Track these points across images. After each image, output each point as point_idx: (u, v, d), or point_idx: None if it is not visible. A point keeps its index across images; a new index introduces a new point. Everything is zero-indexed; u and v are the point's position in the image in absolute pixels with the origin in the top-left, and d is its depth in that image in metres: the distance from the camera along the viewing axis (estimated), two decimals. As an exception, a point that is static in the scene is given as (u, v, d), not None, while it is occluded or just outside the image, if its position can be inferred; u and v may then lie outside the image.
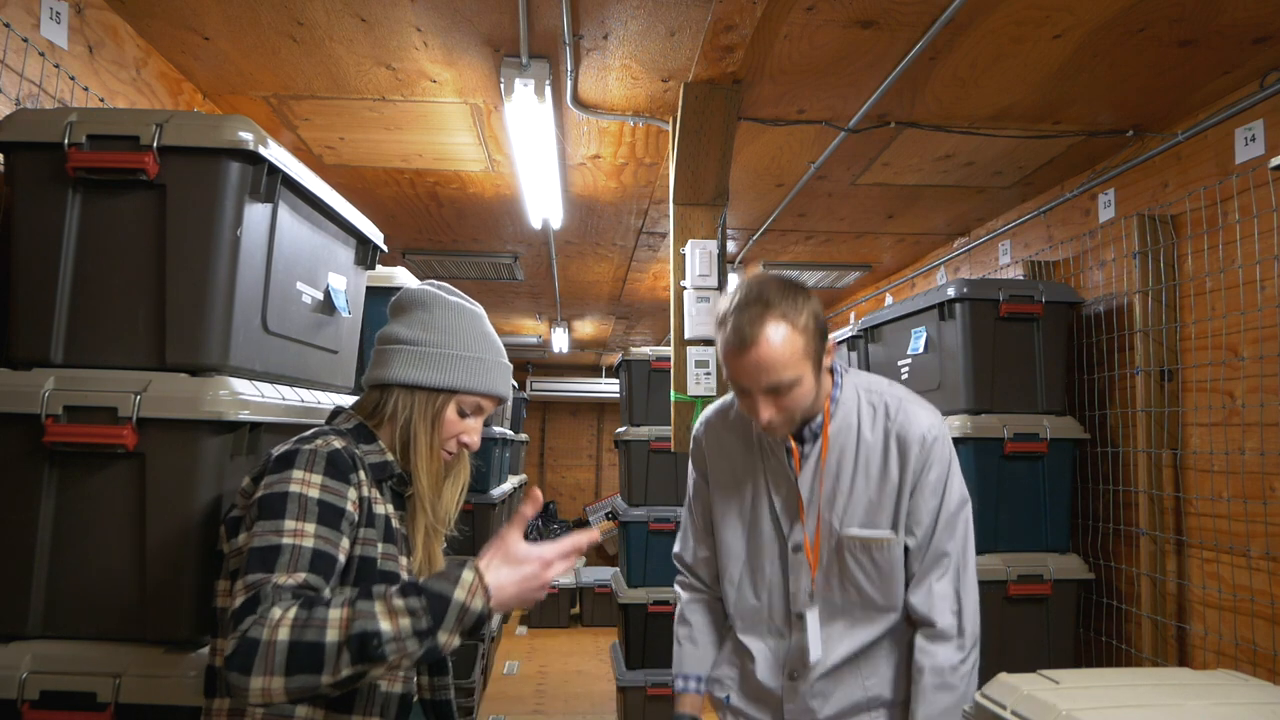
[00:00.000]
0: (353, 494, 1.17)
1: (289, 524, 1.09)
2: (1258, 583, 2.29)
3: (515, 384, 6.50)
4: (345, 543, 1.14)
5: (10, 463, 1.39)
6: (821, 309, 1.37)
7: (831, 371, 1.45)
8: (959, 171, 3.25)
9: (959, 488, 1.44)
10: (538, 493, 1.17)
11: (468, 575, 1.07)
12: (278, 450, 1.18)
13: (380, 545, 1.20)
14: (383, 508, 1.23)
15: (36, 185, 1.45)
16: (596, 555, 9.62)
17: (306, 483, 1.12)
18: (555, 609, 6.82)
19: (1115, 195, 2.97)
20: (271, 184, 1.53)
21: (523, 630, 6.72)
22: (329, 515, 1.12)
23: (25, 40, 1.79)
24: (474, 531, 5.09)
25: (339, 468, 1.16)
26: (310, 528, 1.10)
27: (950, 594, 1.40)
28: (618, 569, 4.81)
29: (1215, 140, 2.51)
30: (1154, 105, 2.60)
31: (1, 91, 1.72)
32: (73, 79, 1.96)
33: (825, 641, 1.44)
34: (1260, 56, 2.27)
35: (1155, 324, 2.65)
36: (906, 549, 1.43)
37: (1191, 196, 2.58)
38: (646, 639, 4.12)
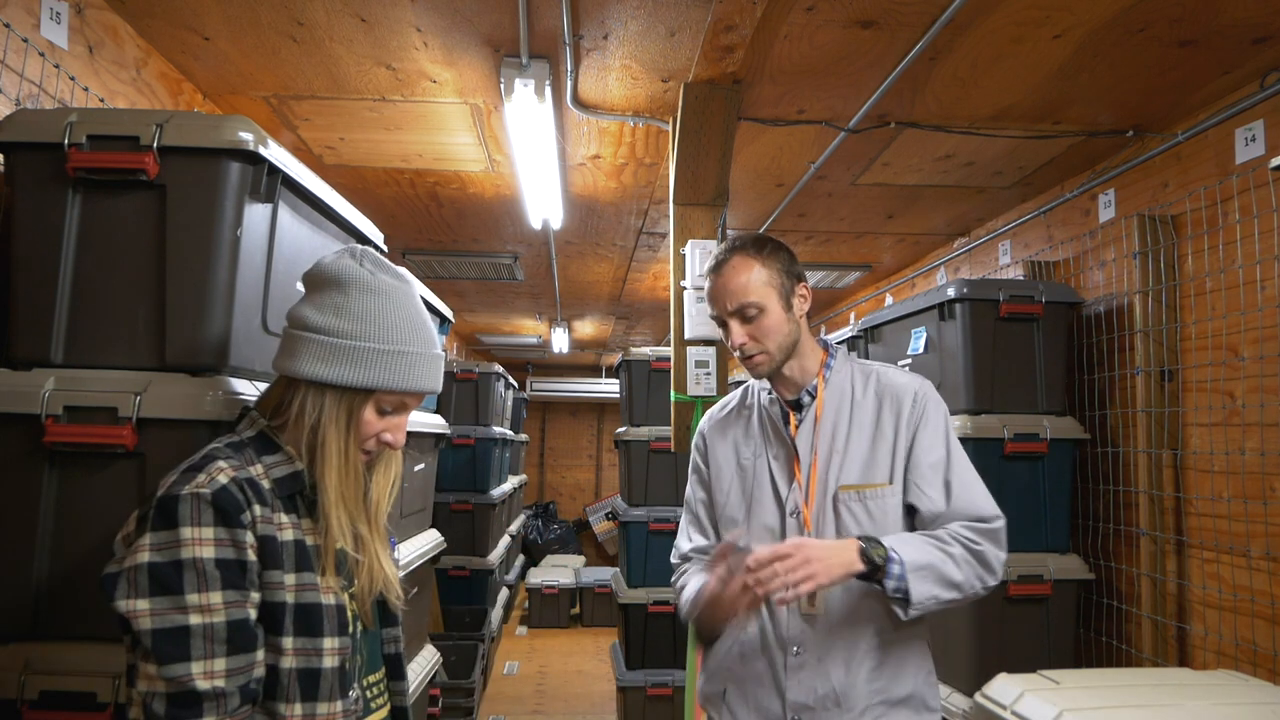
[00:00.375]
0: (249, 538, 1.04)
1: (191, 598, 0.98)
2: (1258, 583, 2.29)
3: (515, 384, 6.51)
4: (255, 595, 1.04)
5: (10, 463, 1.39)
6: (795, 262, 1.54)
7: (826, 349, 1.56)
8: (959, 171, 3.25)
9: (960, 447, 1.49)
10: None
11: None
12: (162, 488, 1.03)
13: (293, 578, 1.07)
14: (291, 533, 1.09)
15: (37, 185, 1.45)
16: (597, 555, 9.63)
17: (198, 541, 0.99)
18: (555, 609, 6.82)
19: (1115, 195, 2.97)
20: (271, 184, 1.53)
21: (523, 630, 6.72)
22: (231, 575, 1.01)
23: (25, 40, 1.79)
24: (474, 531, 5.09)
25: (228, 512, 1.02)
26: (216, 598, 0.99)
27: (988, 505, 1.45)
28: (618, 569, 4.81)
29: (1215, 140, 2.51)
30: (1154, 105, 2.60)
31: (1, 91, 1.72)
32: (73, 79, 1.96)
33: (823, 605, 1.43)
34: (1260, 56, 2.27)
35: (1155, 324, 2.65)
36: (911, 511, 1.45)
37: (1191, 197, 2.58)
38: (646, 639, 4.12)
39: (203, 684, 0.97)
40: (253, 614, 1.03)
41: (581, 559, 8.45)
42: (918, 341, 2.99)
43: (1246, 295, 2.35)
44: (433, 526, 3.08)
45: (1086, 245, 3.11)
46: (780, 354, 1.49)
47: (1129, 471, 2.73)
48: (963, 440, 2.61)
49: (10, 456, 1.39)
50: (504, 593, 5.97)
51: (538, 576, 7.01)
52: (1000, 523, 1.44)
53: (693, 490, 1.68)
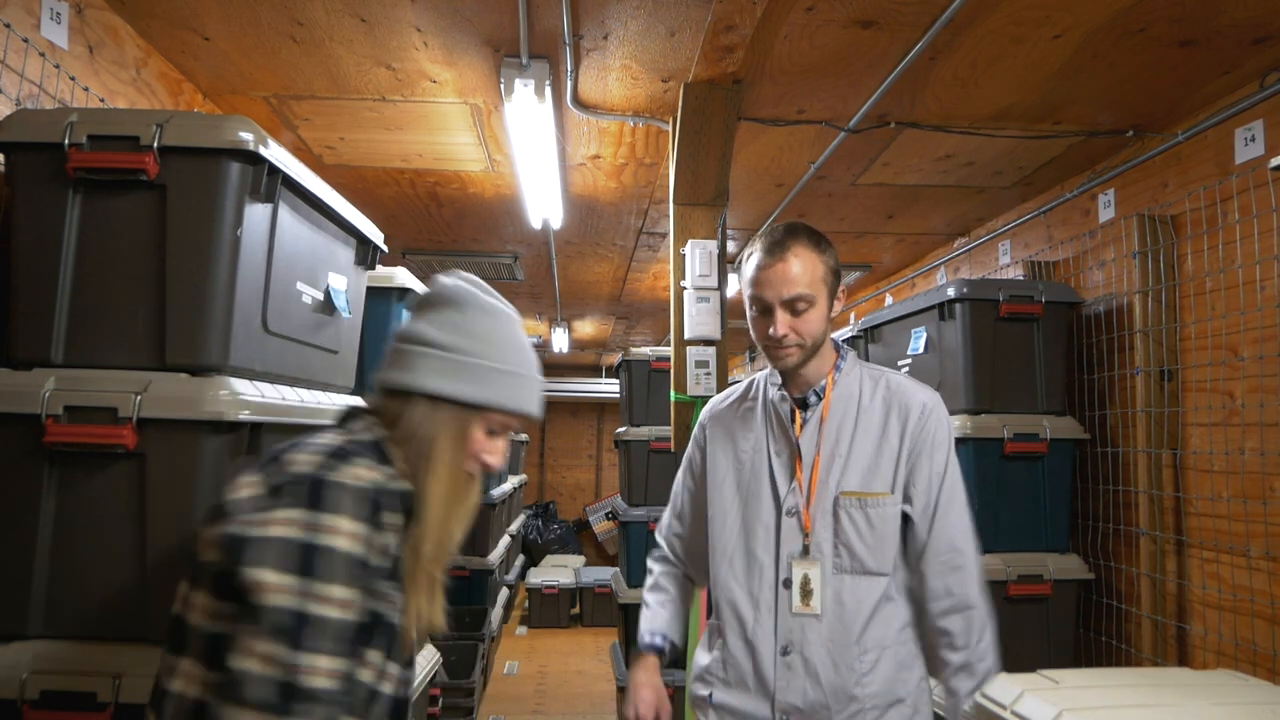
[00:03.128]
0: (390, 540, 1.02)
1: (335, 590, 0.94)
2: (1258, 583, 2.29)
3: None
4: (370, 602, 1.00)
5: (10, 463, 1.39)
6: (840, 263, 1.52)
7: (837, 349, 1.54)
8: (959, 171, 3.25)
9: (957, 468, 1.47)
10: None
11: None
12: (300, 466, 0.99)
13: (397, 594, 1.05)
14: (397, 549, 1.07)
15: (37, 185, 1.45)
16: (597, 555, 9.62)
17: (348, 534, 0.96)
18: (555, 609, 6.82)
19: (1115, 195, 2.97)
20: (272, 184, 1.53)
21: (523, 630, 6.71)
22: (365, 576, 0.98)
23: (25, 40, 1.79)
24: (474, 531, 5.09)
25: (375, 511, 1.00)
26: (353, 595, 0.96)
27: (963, 593, 1.42)
28: (618, 569, 4.81)
29: (1215, 140, 2.51)
30: (1154, 105, 2.60)
31: (2, 92, 1.72)
32: (73, 79, 1.96)
33: (819, 605, 1.43)
34: (1260, 56, 2.27)
35: (1155, 324, 2.65)
36: (906, 519, 1.45)
37: (1191, 197, 2.58)
38: (646, 639, 4.11)
39: (323, 681, 0.92)
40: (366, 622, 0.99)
41: (581, 559, 8.44)
42: (918, 341, 2.99)
43: (1246, 295, 2.35)
44: (433, 526, 3.07)
45: (1086, 245, 3.11)
46: (811, 350, 1.47)
47: (1129, 471, 2.73)
48: (963, 440, 2.61)
49: (10, 456, 1.39)
50: (504, 593, 5.97)
51: (538, 576, 7.01)
52: (971, 558, 1.43)
53: (682, 477, 1.69)
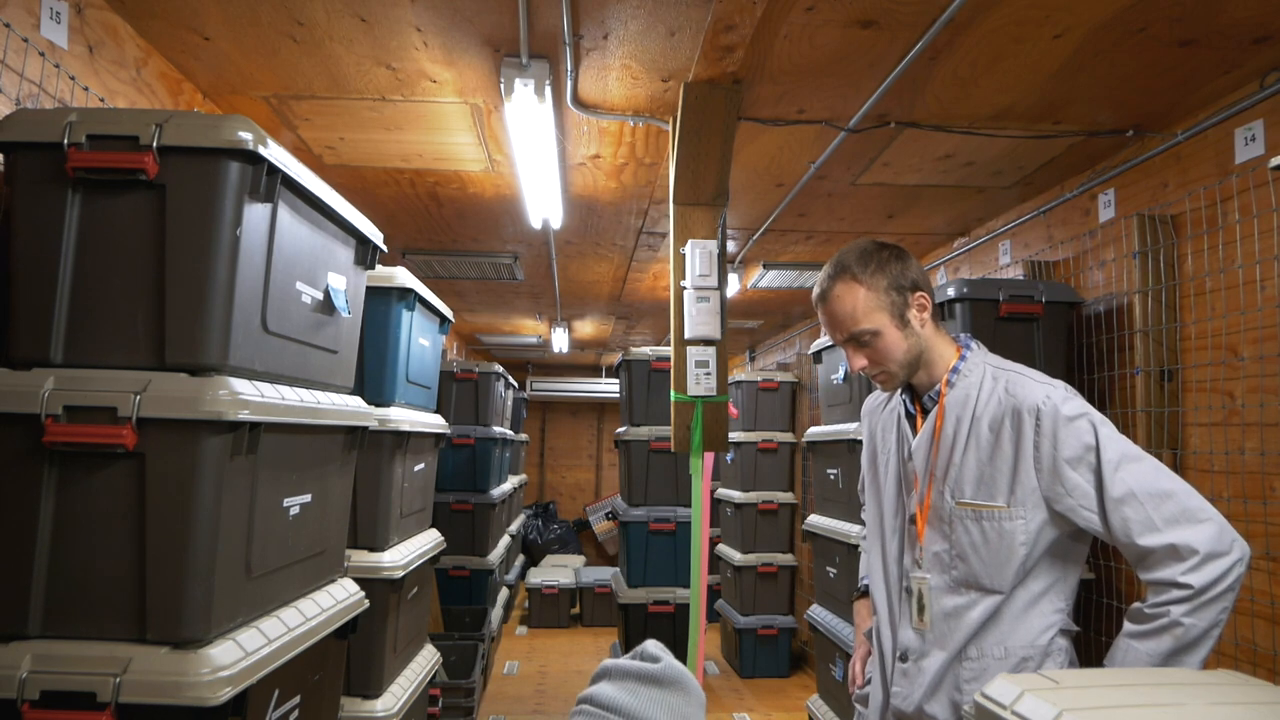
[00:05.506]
0: None
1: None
2: (1258, 583, 2.29)
3: (515, 384, 6.51)
4: None
5: (10, 463, 1.39)
6: (907, 271, 1.45)
7: (958, 345, 1.50)
8: (959, 171, 3.25)
9: (1112, 445, 1.32)
10: None
11: None
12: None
13: None
14: None
15: (36, 185, 1.45)
16: (597, 555, 9.63)
17: None
18: (555, 609, 6.82)
19: (1115, 195, 2.97)
20: (271, 184, 1.53)
21: (523, 630, 6.71)
22: None
23: (25, 40, 1.79)
24: (474, 531, 5.09)
25: None
26: None
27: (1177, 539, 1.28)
28: (618, 569, 4.81)
29: (1215, 140, 2.51)
30: (1154, 105, 2.60)
31: (1, 91, 1.72)
32: (73, 79, 1.96)
33: (930, 620, 1.42)
34: (1260, 56, 2.27)
35: (1155, 324, 2.65)
36: (1071, 530, 1.36)
37: (1191, 196, 2.58)
38: (646, 639, 4.11)
39: None
40: None
41: (581, 559, 8.45)
42: (918, 341, 2.98)
43: (1246, 295, 2.35)
44: (433, 526, 3.08)
45: (1086, 245, 3.11)
46: (904, 370, 1.45)
47: (1129, 471, 2.72)
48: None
49: (10, 456, 1.39)
50: (504, 593, 5.97)
51: (538, 576, 7.01)
52: (1193, 555, 1.26)
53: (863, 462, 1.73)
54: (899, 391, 1.55)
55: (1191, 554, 1.26)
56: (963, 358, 1.48)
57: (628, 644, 4.19)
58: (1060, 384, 1.41)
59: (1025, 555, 1.37)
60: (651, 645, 0.93)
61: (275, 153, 1.52)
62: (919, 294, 1.46)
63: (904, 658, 1.45)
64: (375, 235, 2.09)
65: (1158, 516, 1.28)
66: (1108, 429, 1.35)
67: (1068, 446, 1.34)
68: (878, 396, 1.69)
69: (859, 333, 1.43)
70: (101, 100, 2.07)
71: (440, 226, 4.22)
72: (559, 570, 7.26)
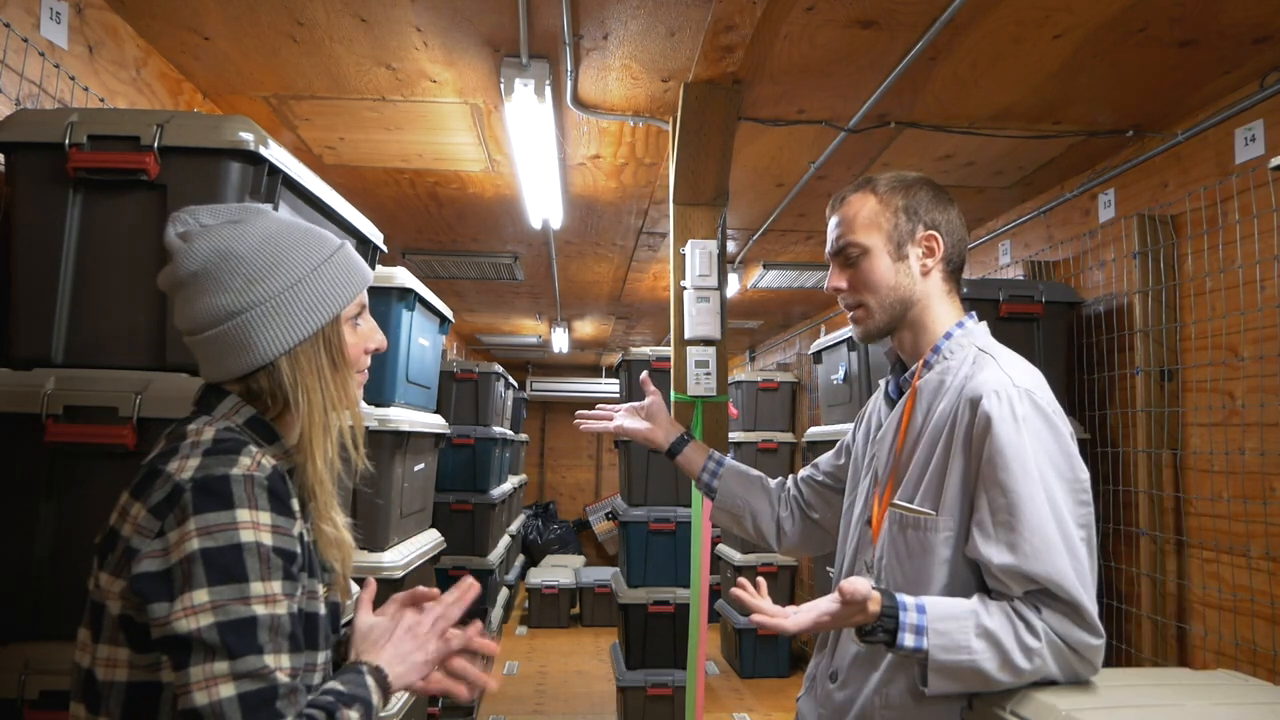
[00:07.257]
0: (298, 528, 0.95)
1: (255, 587, 0.86)
2: (1258, 583, 2.29)
3: (515, 384, 6.51)
4: (298, 595, 0.94)
5: (10, 463, 1.39)
6: (936, 206, 1.26)
7: (958, 324, 1.29)
8: (959, 171, 3.25)
9: (1034, 472, 1.09)
10: (470, 582, 1.09)
11: (370, 682, 0.96)
12: (183, 470, 0.89)
13: (318, 586, 1.00)
14: (305, 534, 0.99)
15: (37, 185, 1.45)
16: (597, 555, 9.63)
17: (257, 526, 0.88)
18: (555, 609, 6.82)
19: (1115, 195, 2.97)
20: (272, 184, 1.53)
21: (523, 630, 6.72)
22: (287, 567, 0.91)
23: (25, 40, 1.79)
24: (474, 531, 5.09)
25: (281, 499, 0.92)
26: (278, 588, 0.89)
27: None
28: (618, 569, 4.81)
29: (1215, 140, 2.51)
30: (1154, 105, 2.60)
31: (2, 91, 1.72)
32: (73, 79, 1.96)
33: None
34: (1260, 56, 2.27)
35: (1155, 324, 2.65)
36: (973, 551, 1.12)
37: (1191, 196, 2.58)
38: (646, 639, 4.12)
39: (282, 676, 0.86)
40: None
41: (581, 559, 8.44)
42: (918, 341, 2.98)
43: (1246, 295, 2.35)
44: (433, 526, 3.08)
45: (1086, 245, 3.11)
46: (882, 313, 1.25)
47: (1129, 471, 2.73)
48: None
49: (10, 456, 1.39)
50: (504, 593, 5.97)
51: (538, 576, 7.01)
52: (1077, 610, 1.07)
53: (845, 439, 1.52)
54: (890, 370, 1.36)
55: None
56: (948, 335, 1.27)
57: (628, 644, 4.19)
58: (1030, 378, 1.20)
59: (947, 577, 1.14)
60: None
61: (276, 153, 1.52)
62: (930, 233, 1.25)
63: (834, 678, 1.26)
64: (375, 235, 2.09)
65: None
66: (1046, 443, 1.13)
67: (994, 450, 1.11)
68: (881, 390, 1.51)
69: (847, 244, 1.25)
70: (101, 100, 2.07)
71: (440, 226, 4.22)
72: (559, 570, 7.26)
